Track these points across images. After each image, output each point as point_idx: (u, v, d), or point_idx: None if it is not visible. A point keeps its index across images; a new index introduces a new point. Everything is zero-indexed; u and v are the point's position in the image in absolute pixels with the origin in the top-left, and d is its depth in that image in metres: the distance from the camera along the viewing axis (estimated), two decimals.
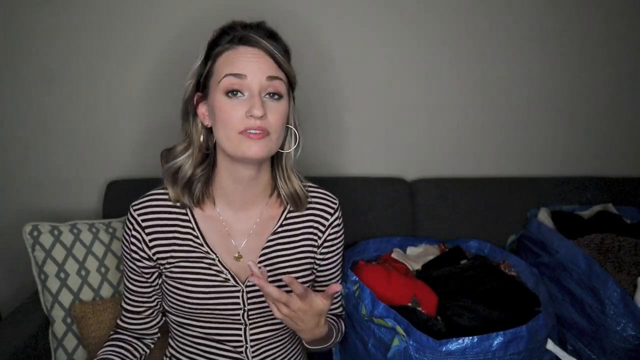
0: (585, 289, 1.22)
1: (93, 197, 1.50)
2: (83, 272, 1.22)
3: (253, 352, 0.93)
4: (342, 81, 1.53)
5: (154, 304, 0.97)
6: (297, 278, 0.92)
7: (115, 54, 1.43)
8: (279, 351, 0.97)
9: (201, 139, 0.89)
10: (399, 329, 0.97)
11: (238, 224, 0.93)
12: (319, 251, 0.98)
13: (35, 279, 1.23)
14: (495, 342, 0.94)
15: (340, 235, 1.02)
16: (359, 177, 1.55)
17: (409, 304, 1.11)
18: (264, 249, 0.93)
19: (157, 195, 0.91)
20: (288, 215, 0.96)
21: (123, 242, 0.92)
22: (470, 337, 0.94)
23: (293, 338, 1.02)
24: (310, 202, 0.97)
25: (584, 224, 1.46)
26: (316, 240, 0.97)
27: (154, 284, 0.94)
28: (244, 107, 0.81)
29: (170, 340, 1.00)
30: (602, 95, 1.63)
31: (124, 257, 0.93)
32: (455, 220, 1.53)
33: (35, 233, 1.21)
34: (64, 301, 1.22)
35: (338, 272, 1.05)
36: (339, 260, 1.04)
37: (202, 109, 0.88)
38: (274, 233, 0.94)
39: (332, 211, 0.98)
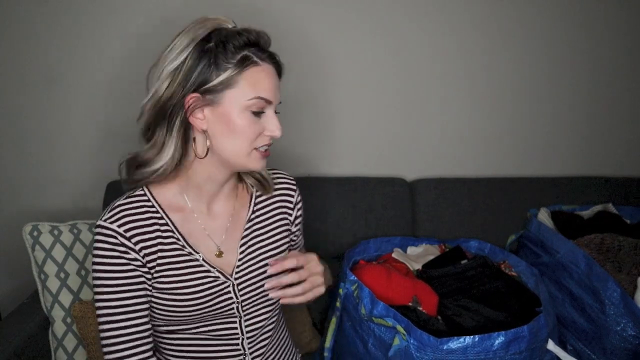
0: (585, 289, 1.22)
1: (93, 197, 1.50)
2: (83, 272, 1.22)
3: (249, 342, 0.94)
4: (341, 81, 1.54)
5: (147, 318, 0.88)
6: (278, 253, 0.97)
7: (111, 55, 1.43)
8: (271, 338, 0.99)
9: (174, 148, 0.84)
10: (400, 328, 0.97)
11: (214, 222, 0.93)
12: (293, 229, 1.03)
13: (35, 279, 1.22)
14: (497, 342, 0.94)
15: (302, 216, 1.08)
16: (359, 177, 1.56)
17: (410, 304, 1.11)
18: (242, 239, 0.94)
19: (128, 205, 0.86)
20: (257, 201, 0.98)
21: (103, 264, 0.82)
22: (472, 336, 0.94)
23: (279, 324, 1.04)
24: (275, 184, 1.01)
25: (584, 224, 1.46)
26: (287, 219, 1.01)
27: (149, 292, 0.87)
28: (262, 124, 0.85)
29: (157, 354, 0.94)
30: (602, 95, 1.63)
31: (107, 280, 0.82)
32: (455, 220, 1.53)
33: (35, 233, 1.21)
34: (64, 301, 1.22)
35: (302, 240, 1.12)
36: (301, 231, 1.11)
37: (198, 114, 0.83)
38: (248, 221, 0.96)
39: (294, 188, 1.03)
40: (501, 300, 1.15)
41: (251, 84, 0.81)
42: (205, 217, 0.92)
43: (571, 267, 1.26)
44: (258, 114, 0.83)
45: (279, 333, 1.03)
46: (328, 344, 1.16)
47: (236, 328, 0.92)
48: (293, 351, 1.08)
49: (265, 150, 0.87)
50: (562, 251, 1.30)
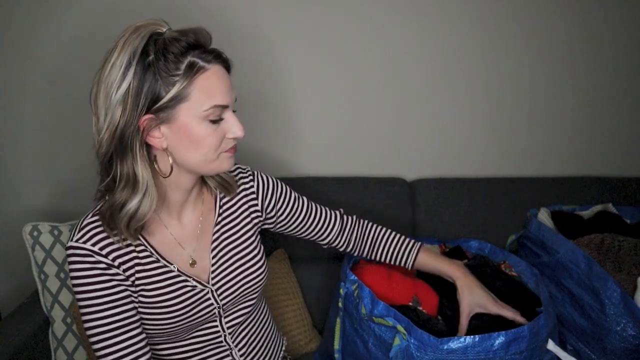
0: (585, 289, 1.22)
1: (93, 197, 1.50)
2: None
3: (231, 337, 0.96)
4: (342, 80, 1.53)
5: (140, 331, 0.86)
6: (251, 250, 0.96)
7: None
8: (250, 327, 1.00)
9: (147, 172, 0.79)
10: (400, 328, 0.97)
11: (184, 231, 0.92)
12: (270, 214, 1.03)
13: (35, 279, 1.22)
14: (497, 342, 0.94)
15: (280, 187, 1.04)
16: (359, 177, 1.56)
17: (410, 304, 1.11)
18: (212, 243, 0.94)
19: (97, 222, 0.83)
20: (222, 203, 0.97)
21: (87, 284, 0.80)
22: (472, 336, 0.94)
23: (258, 313, 1.04)
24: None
25: (584, 224, 1.46)
26: (255, 208, 1.00)
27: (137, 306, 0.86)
28: (223, 129, 0.82)
29: None
30: (602, 95, 1.63)
31: (94, 299, 0.80)
32: (455, 220, 1.53)
33: (35, 233, 1.21)
34: (64, 301, 1.22)
35: (312, 210, 1.09)
36: (302, 204, 1.07)
37: (155, 133, 0.78)
38: (216, 224, 0.95)
39: (248, 175, 1.01)
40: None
41: (204, 93, 0.77)
42: (176, 227, 0.91)
43: (571, 267, 1.26)
44: (217, 121, 0.80)
45: (260, 321, 1.04)
46: (337, 345, 1.16)
47: (217, 326, 0.94)
48: (278, 337, 1.10)
49: (233, 147, 0.84)
50: (562, 251, 1.30)
